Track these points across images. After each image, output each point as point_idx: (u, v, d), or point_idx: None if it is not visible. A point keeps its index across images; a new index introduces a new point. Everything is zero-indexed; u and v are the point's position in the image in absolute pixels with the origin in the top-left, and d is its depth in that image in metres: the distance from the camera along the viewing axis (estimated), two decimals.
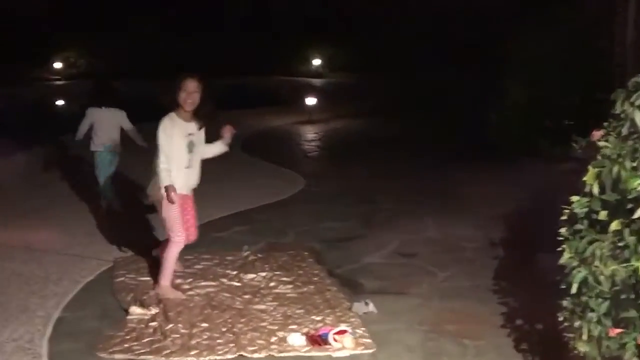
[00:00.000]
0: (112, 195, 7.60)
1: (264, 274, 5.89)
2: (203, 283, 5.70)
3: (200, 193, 7.97)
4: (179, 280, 5.68)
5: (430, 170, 9.85)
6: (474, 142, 11.03)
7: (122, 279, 5.83)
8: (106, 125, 7.45)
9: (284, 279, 5.80)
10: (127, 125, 7.53)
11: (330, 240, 6.90)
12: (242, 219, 7.59)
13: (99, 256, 6.41)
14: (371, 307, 5.17)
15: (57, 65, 23.33)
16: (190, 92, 5.27)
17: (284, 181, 9.26)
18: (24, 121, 14.27)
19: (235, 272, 5.92)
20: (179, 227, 5.38)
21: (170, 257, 5.44)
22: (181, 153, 5.33)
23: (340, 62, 24.25)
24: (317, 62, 23.73)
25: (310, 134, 13.43)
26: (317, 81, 22.57)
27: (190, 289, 5.57)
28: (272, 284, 5.71)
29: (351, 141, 12.63)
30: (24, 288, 5.65)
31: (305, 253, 6.47)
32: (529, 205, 7.53)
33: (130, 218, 7.43)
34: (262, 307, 5.26)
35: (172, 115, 5.32)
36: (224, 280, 5.77)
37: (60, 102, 19.41)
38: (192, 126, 5.38)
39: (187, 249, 6.52)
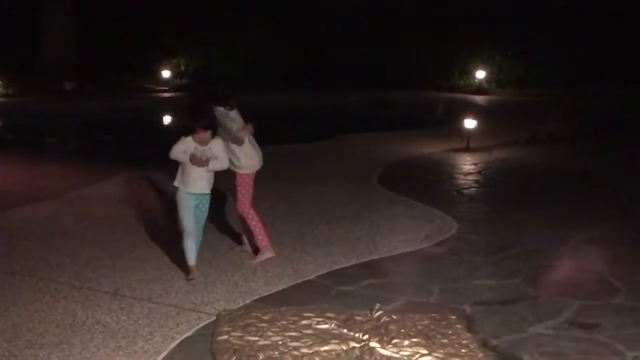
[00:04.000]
0: None
1: (398, 340, 5.89)
2: (324, 348, 5.77)
3: (323, 236, 8.13)
4: (294, 343, 5.80)
5: (629, 218, 9.57)
6: None
7: (226, 337, 5.99)
8: None
9: (423, 348, 5.77)
10: None
11: (485, 302, 6.83)
12: (375, 269, 7.63)
13: (199, 308, 6.63)
14: None
15: (166, 73, 24.33)
16: None
17: (430, 224, 9.21)
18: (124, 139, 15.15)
19: (363, 337, 5.95)
20: None
21: None
22: None
23: (512, 74, 24.09)
24: (480, 74, 23.62)
25: (467, 165, 13.32)
26: (479, 98, 22.43)
27: (308, 354, 5.66)
28: (407, 353, 5.70)
29: (522, 176, 12.39)
30: (109, 343, 5.92)
31: (453, 317, 6.42)
32: None
33: (237, 263, 7.69)
34: None
35: None
36: (349, 345, 5.82)
37: (166, 118, 19.92)
38: None
39: (307, 304, 6.64)
